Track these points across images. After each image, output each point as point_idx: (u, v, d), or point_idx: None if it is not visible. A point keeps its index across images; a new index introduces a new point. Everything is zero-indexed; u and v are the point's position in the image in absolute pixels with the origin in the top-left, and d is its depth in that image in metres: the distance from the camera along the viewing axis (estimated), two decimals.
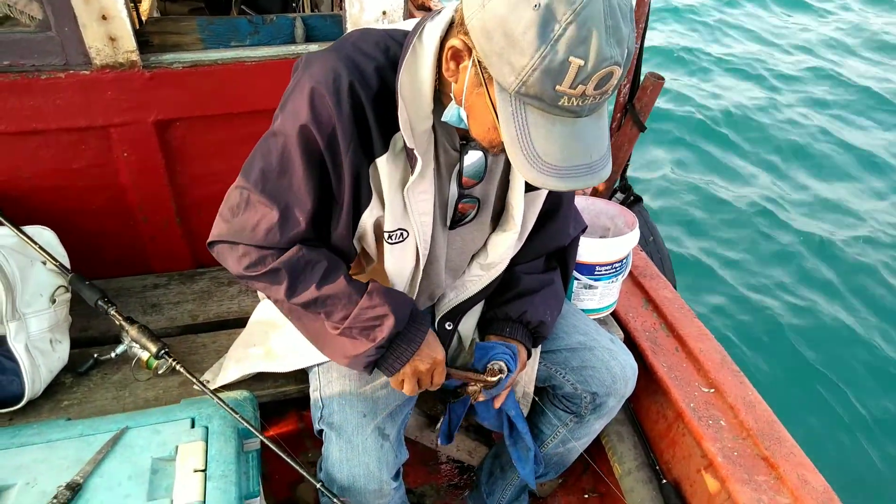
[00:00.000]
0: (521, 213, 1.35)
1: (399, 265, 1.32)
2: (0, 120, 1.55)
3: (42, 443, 1.34)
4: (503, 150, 1.04)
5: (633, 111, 2.14)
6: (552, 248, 1.54)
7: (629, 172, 2.59)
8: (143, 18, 2.10)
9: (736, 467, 1.61)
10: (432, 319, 1.55)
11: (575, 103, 0.92)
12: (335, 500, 1.32)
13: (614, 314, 2.00)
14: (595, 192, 2.36)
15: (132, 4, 1.72)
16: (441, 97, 1.15)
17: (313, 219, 1.22)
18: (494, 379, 1.40)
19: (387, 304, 1.26)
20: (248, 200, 1.22)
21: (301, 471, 1.30)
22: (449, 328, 1.53)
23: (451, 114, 1.11)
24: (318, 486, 1.33)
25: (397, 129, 1.14)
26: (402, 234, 1.27)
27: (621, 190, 2.51)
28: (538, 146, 0.96)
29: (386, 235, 1.27)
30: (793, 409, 3.10)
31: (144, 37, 1.65)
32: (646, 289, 2.11)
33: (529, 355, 1.52)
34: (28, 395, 1.51)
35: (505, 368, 1.41)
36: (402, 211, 1.24)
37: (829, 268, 4.17)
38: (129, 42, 1.53)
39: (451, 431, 1.66)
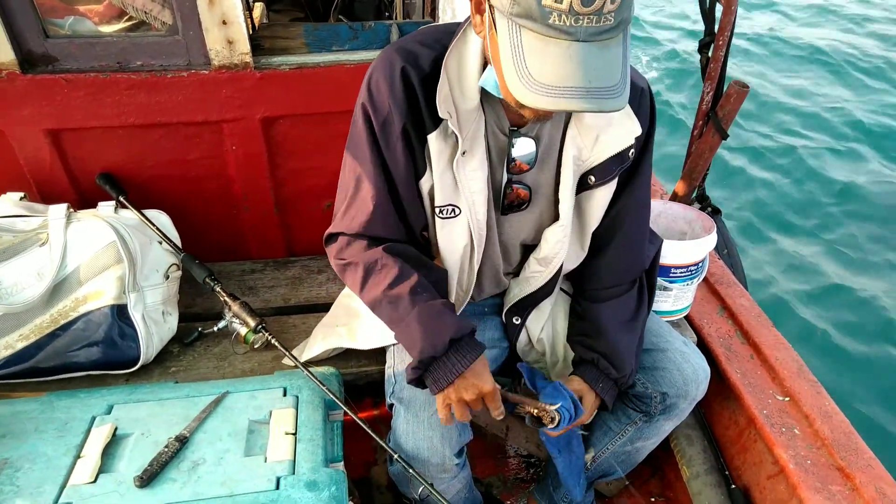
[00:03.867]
0: (569, 207, 1.38)
1: (451, 242, 1.39)
2: (130, 113, 1.74)
3: (154, 400, 1.50)
4: (538, 116, 1.12)
5: (715, 119, 2.14)
6: (629, 279, 1.55)
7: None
8: (256, 24, 2.29)
9: (808, 475, 1.59)
10: (500, 312, 1.63)
11: (566, 22, 0.95)
12: (409, 470, 1.40)
13: (687, 319, 2.01)
14: (674, 198, 2.37)
15: (247, 12, 1.89)
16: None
17: (389, 197, 1.34)
18: (549, 421, 1.40)
19: (420, 328, 1.29)
20: (345, 192, 1.37)
21: (375, 437, 1.40)
22: (517, 322, 1.59)
23: (485, 77, 1.20)
24: (395, 456, 1.42)
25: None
26: (453, 210, 1.34)
27: (698, 199, 2.50)
28: (532, 67, 0.99)
29: (437, 210, 1.35)
30: (878, 424, 2.97)
31: (256, 41, 1.81)
32: (721, 296, 2.11)
33: (605, 407, 1.53)
34: (142, 359, 1.68)
35: (556, 421, 1.40)
36: (452, 186, 1.32)
37: None
38: (244, 45, 1.69)
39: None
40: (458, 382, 1.30)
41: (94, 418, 1.43)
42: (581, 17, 0.94)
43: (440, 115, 1.22)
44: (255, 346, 1.77)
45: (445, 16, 1.78)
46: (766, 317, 2.03)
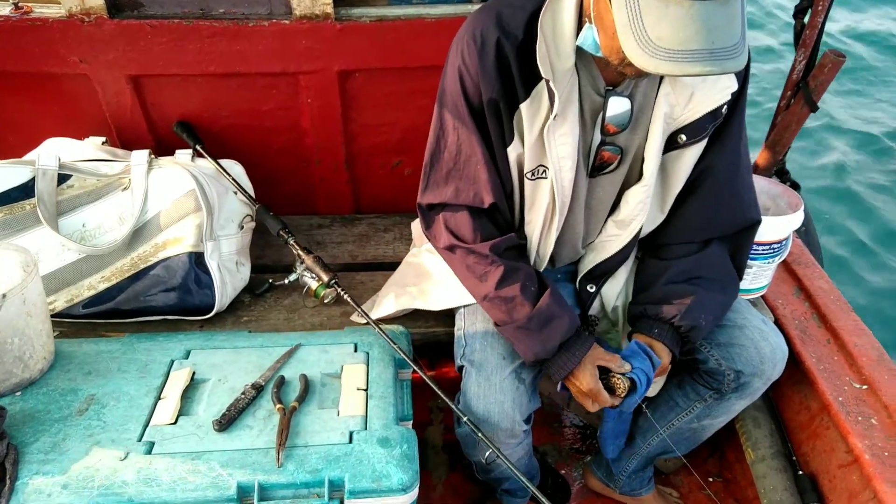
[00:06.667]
0: (655, 166, 1.35)
1: (535, 203, 1.38)
2: (211, 62, 1.74)
3: (230, 348, 1.53)
4: (636, 70, 1.05)
5: (805, 89, 2.03)
6: (710, 234, 1.47)
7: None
8: None
9: (886, 467, 1.54)
10: (574, 279, 1.60)
11: None
12: (477, 433, 1.40)
13: (763, 299, 1.95)
14: (755, 170, 2.27)
15: None
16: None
17: (494, 165, 1.34)
18: (620, 389, 1.38)
19: (530, 335, 1.38)
20: (440, 160, 1.37)
21: (446, 399, 1.41)
22: (591, 290, 1.56)
23: (584, 36, 1.17)
24: (465, 419, 1.41)
25: (541, 78, 1.22)
26: (543, 170, 1.33)
27: (777, 174, 2.39)
28: (650, 30, 0.96)
29: (528, 174, 1.34)
30: None
31: None
32: (799, 276, 2.03)
33: (674, 360, 1.47)
34: (217, 307, 1.71)
35: (627, 389, 1.37)
36: (541, 150, 1.30)
37: None
38: None
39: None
40: (570, 379, 1.40)
41: (172, 362, 1.46)
42: None
43: (542, 74, 1.19)
44: (326, 301, 1.78)
45: None
46: (845, 301, 1.95)
